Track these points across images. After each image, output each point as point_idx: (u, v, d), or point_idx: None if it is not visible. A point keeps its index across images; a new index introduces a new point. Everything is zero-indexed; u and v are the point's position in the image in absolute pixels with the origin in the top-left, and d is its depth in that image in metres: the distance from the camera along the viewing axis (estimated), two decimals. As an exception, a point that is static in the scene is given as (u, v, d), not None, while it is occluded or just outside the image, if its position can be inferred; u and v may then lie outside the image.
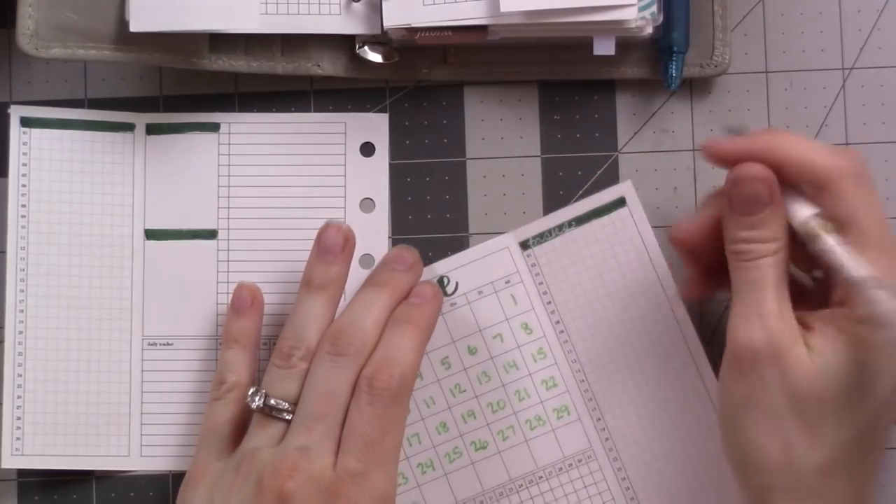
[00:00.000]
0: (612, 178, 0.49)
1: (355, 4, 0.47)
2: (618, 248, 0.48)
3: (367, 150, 0.50)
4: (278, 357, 0.44)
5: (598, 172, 0.50)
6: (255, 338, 0.47)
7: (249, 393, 0.43)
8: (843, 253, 0.39)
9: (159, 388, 0.49)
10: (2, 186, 0.49)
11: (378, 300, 0.44)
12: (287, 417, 0.42)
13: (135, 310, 0.49)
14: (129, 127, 0.50)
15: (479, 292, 0.49)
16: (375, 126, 0.50)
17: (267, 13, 0.47)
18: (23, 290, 0.49)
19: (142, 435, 0.49)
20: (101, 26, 0.47)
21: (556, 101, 0.50)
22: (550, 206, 0.49)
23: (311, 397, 0.42)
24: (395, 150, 0.50)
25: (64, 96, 0.50)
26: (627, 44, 0.48)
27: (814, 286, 0.45)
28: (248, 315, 0.47)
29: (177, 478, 0.49)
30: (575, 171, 0.50)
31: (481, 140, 0.50)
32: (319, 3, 0.47)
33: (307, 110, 0.50)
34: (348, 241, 0.45)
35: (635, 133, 0.50)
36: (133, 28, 0.45)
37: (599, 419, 0.48)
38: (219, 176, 0.50)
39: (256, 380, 0.46)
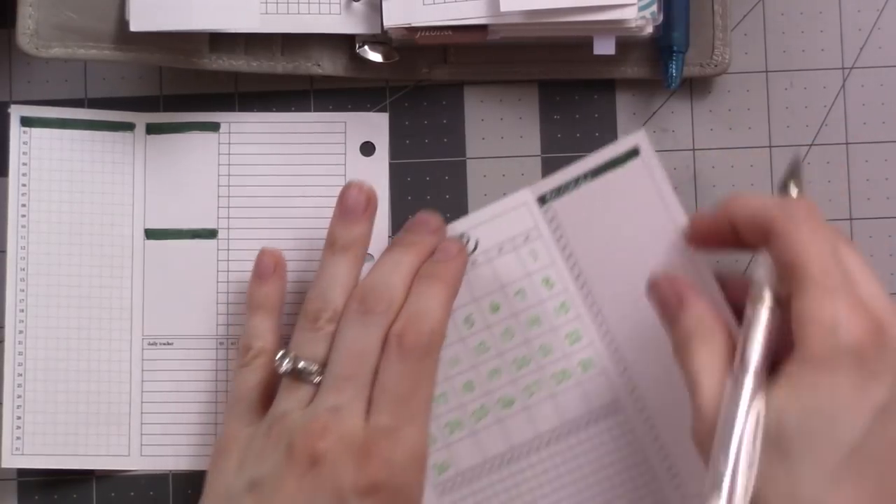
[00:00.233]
0: (612, 177, 0.49)
1: (355, 4, 0.47)
2: (634, 199, 0.48)
3: (367, 149, 0.50)
4: (305, 320, 0.44)
5: (598, 172, 0.50)
6: (280, 303, 0.47)
7: (277, 357, 0.43)
8: (751, 329, 0.40)
9: (159, 388, 0.49)
10: (2, 186, 0.49)
11: (405, 259, 0.44)
12: (316, 380, 0.42)
13: (135, 309, 0.49)
14: (129, 127, 0.50)
15: (500, 249, 0.48)
16: (375, 126, 0.50)
17: (267, 13, 0.47)
18: (23, 290, 0.49)
19: (142, 434, 0.49)
20: (101, 26, 0.47)
21: (556, 100, 0.50)
22: (550, 205, 0.49)
23: (341, 357, 0.42)
24: (395, 149, 0.50)
25: (64, 96, 0.50)
26: (627, 43, 0.48)
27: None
28: (272, 280, 0.46)
29: (177, 478, 0.49)
30: (575, 171, 0.50)
31: (481, 140, 0.50)
32: (319, 3, 0.47)
33: (307, 110, 0.50)
34: (371, 201, 0.45)
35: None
36: (133, 28, 0.45)
37: (625, 370, 0.48)
38: (219, 176, 0.50)
39: (282, 344, 0.46)
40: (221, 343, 0.49)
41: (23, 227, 0.49)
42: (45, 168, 0.49)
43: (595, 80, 0.50)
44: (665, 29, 0.47)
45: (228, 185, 0.50)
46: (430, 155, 0.50)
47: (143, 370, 0.49)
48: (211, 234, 0.49)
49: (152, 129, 0.50)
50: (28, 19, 0.46)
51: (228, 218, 0.49)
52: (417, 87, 0.50)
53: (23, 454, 0.49)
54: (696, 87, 0.50)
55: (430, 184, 0.50)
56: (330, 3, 0.47)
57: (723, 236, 0.43)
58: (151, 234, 0.49)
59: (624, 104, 0.50)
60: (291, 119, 0.50)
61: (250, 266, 0.49)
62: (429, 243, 0.45)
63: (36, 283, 0.49)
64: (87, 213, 0.49)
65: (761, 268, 0.42)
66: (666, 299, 0.44)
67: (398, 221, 0.50)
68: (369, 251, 0.46)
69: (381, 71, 0.49)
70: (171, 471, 0.49)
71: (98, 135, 0.49)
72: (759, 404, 0.39)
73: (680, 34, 0.47)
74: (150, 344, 0.49)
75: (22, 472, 0.50)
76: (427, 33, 0.46)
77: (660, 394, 0.48)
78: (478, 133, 0.50)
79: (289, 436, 0.41)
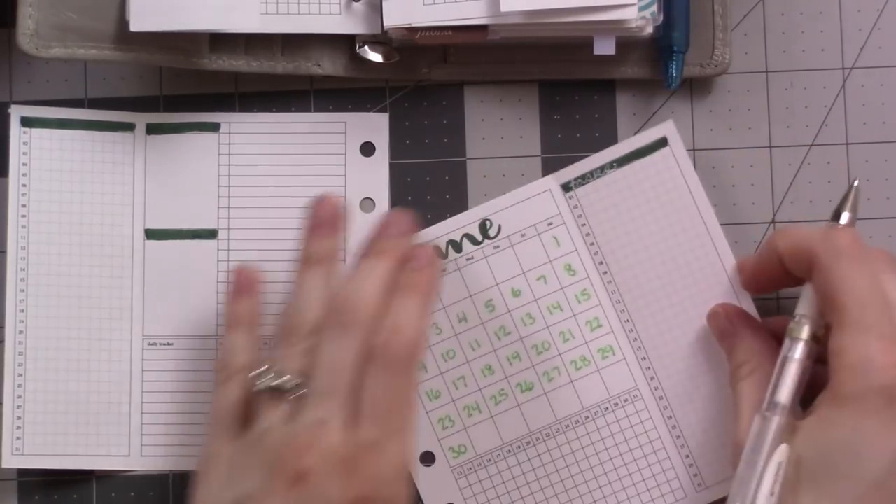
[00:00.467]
0: (612, 177, 0.49)
1: (355, 4, 0.47)
2: (660, 188, 0.48)
3: (367, 149, 0.50)
4: (283, 335, 0.43)
5: (599, 172, 0.50)
6: (257, 319, 0.46)
7: (257, 373, 0.42)
8: (784, 366, 0.42)
9: (159, 388, 0.49)
10: (2, 186, 0.49)
11: (378, 268, 0.43)
12: (297, 395, 0.42)
13: (135, 310, 0.49)
14: (129, 127, 0.50)
15: (522, 235, 0.49)
16: (375, 126, 0.50)
17: (267, 13, 0.47)
18: (23, 290, 0.49)
19: (142, 435, 0.49)
20: (101, 26, 0.47)
21: (556, 101, 0.50)
22: (550, 205, 0.49)
23: (321, 371, 0.41)
24: (395, 150, 0.50)
25: (64, 96, 0.50)
26: (627, 44, 0.48)
27: None
28: (248, 296, 0.46)
29: (177, 478, 0.49)
30: (575, 171, 0.50)
31: (481, 140, 0.50)
32: (319, 3, 0.47)
33: (307, 110, 0.50)
34: (340, 213, 0.45)
35: (635, 133, 0.50)
36: (133, 28, 0.45)
37: (644, 358, 0.48)
38: (219, 176, 0.50)
39: (261, 360, 0.45)
40: (221, 343, 0.49)
41: (23, 227, 0.49)
42: (45, 168, 0.49)
43: (595, 81, 0.50)
44: (665, 29, 0.47)
45: (228, 186, 0.50)
46: (430, 155, 0.50)
47: (143, 370, 0.49)
48: (211, 234, 0.49)
49: (152, 129, 0.50)
50: (28, 19, 0.46)
51: (228, 218, 0.49)
52: (417, 88, 0.50)
53: (23, 454, 0.49)
54: (696, 87, 0.50)
55: (430, 184, 0.50)
56: (330, 4, 0.47)
57: (773, 273, 0.44)
58: (151, 234, 0.49)
59: (624, 104, 0.50)
60: (291, 119, 0.50)
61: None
62: (401, 247, 0.44)
63: (36, 283, 0.49)
64: (87, 213, 0.49)
65: (804, 299, 0.42)
66: (723, 329, 0.46)
67: (398, 221, 0.50)
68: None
69: (381, 71, 0.49)
70: (171, 471, 0.49)
71: (98, 135, 0.49)
72: (782, 447, 0.40)
73: (680, 34, 0.47)
74: (150, 344, 0.49)
75: (22, 472, 0.50)
76: (427, 33, 0.46)
77: (678, 383, 0.48)
78: (478, 133, 0.50)
79: (273, 452, 0.40)
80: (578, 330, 0.48)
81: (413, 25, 0.46)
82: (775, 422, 0.40)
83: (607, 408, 0.49)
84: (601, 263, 0.48)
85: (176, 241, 0.49)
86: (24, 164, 0.49)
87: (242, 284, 0.47)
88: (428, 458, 0.49)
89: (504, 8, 0.45)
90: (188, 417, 0.49)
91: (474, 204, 0.50)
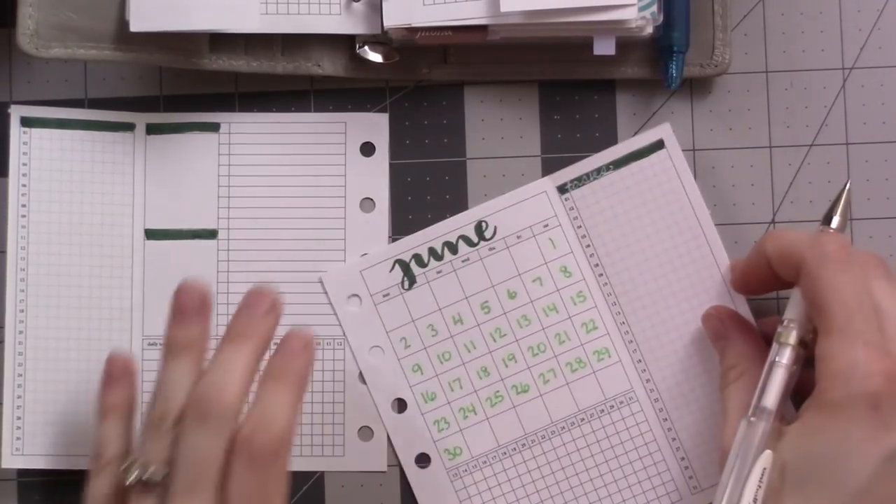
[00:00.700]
0: (612, 177, 0.49)
1: (355, 4, 0.47)
2: (657, 191, 0.48)
3: (367, 149, 0.50)
4: (149, 425, 0.42)
5: (599, 172, 0.50)
6: (131, 407, 0.45)
7: (123, 467, 0.41)
8: (772, 372, 0.41)
9: (159, 388, 0.49)
10: (2, 186, 0.49)
11: (240, 356, 0.42)
12: (163, 488, 0.40)
13: (135, 310, 0.49)
14: (129, 127, 0.50)
15: (518, 236, 0.49)
16: (375, 126, 0.50)
17: (267, 13, 0.47)
18: (23, 290, 0.49)
19: (142, 435, 0.49)
20: (101, 26, 0.47)
21: (556, 101, 0.50)
22: (550, 205, 0.49)
23: (184, 466, 0.40)
24: (395, 150, 0.50)
25: (64, 96, 0.50)
26: (627, 44, 0.48)
27: None
28: (121, 385, 0.45)
29: (177, 478, 0.49)
30: (575, 171, 0.50)
31: (481, 140, 0.50)
32: (319, 3, 0.47)
33: (307, 110, 0.50)
34: (204, 299, 0.43)
35: (635, 133, 0.50)
36: (133, 28, 0.45)
37: (640, 360, 0.48)
38: (219, 176, 0.50)
39: (131, 450, 0.44)
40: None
41: (23, 227, 0.49)
42: (45, 168, 0.49)
43: (595, 81, 0.50)
44: (665, 29, 0.47)
45: (228, 186, 0.50)
46: (430, 155, 0.50)
47: (143, 371, 0.49)
48: (211, 234, 0.49)
49: (152, 129, 0.50)
50: (28, 19, 0.46)
51: (228, 218, 0.49)
52: (417, 88, 0.50)
53: (23, 454, 0.49)
54: (696, 87, 0.50)
55: (430, 184, 0.50)
56: (330, 4, 0.47)
57: (762, 275, 0.44)
58: (151, 234, 0.49)
59: (624, 104, 0.50)
60: (291, 119, 0.50)
61: (250, 266, 0.49)
62: (264, 328, 0.43)
63: (36, 283, 0.49)
64: (87, 213, 0.49)
65: (792, 303, 0.42)
66: (716, 331, 0.46)
67: (398, 222, 0.50)
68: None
69: (381, 71, 0.49)
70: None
71: (98, 135, 0.49)
72: (766, 453, 0.40)
73: (680, 34, 0.47)
74: (150, 344, 0.49)
75: (22, 472, 0.50)
76: (427, 33, 0.46)
77: (674, 385, 0.48)
78: (478, 133, 0.50)
79: None
80: (574, 332, 0.48)
81: (413, 25, 0.46)
82: (761, 427, 0.40)
83: (603, 410, 0.48)
84: (597, 265, 0.48)
85: (176, 241, 0.49)
86: (24, 165, 0.49)
87: (114, 373, 0.45)
88: (423, 460, 0.49)
89: (504, 8, 0.45)
90: (188, 417, 0.49)
91: (474, 204, 0.50)
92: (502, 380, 0.49)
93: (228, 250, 0.49)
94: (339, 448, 0.49)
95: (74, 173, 0.49)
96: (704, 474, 0.48)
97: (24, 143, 0.49)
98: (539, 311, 0.49)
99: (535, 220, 0.49)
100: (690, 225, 0.48)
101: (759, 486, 0.39)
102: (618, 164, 0.48)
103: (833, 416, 0.38)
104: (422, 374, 0.49)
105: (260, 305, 0.43)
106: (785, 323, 0.42)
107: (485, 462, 0.49)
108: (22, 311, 0.49)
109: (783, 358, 0.41)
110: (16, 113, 0.49)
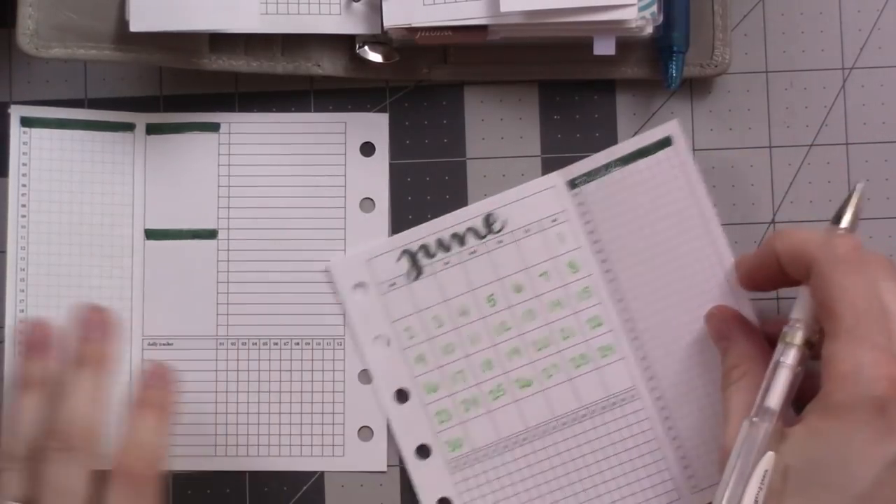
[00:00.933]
0: (612, 177, 0.49)
1: (355, 4, 0.47)
2: (663, 188, 0.48)
3: (367, 149, 0.50)
4: (6, 459, 0.41)
5: (598, 172, 0.50)
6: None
7: None
8: (776, 372, 0.41)
9: (159, 388, 0.49)
10: (2, 186, 0.49)
11: (87, 382, 0.42)
12: None
13: (135, 310, 0.49)
14: (129, 127, 0.50)
15: (526, 230, 0.49)
16: (375, 126, 0.50)
17: (267, 13, 0.47)
18: (23, 290, 0.49)
19: (142, 435, 0.49)
20: (101, 26, 0.47)
21: (556, 101, 0.50)
22: (550, 205, 0.49)
23: (51, 497, 0.40)
24: (395, 150, 0.50)
25: (64, 96, 0.50)
26: (627, 44, 0.48)
27: None
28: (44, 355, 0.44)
29: (176, 478, 0.49)
30: (575, 171, 0.50)
31: (481, 140, 0.50)
32: (319, 3, 0.47)
33: (307, 110, 0.50)
34: (53, 334, 0.44)
35: (635, 133, 0.50)
36: (133, 28, 0.45)
37: (644, 358, 0.48)
38: (219, 176, 0.50)
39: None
40: (221, 343, 0.49)
41: (23, 227, 0.49)
42: (45, 168, 0.49)
43: (595, 81, 0.50)
44: (665, 29, 0.47)
45: (228, 186, 0.50)
46: (430, 155, 0.50)
47: (142, 370, 0.49)
48: (211, 234, 0.49)
49: (152, 129, 0.50)
50: (28, 19, 0.46)
51: (228, 218, 0.49)
52: (417, 88, 0.50)
53: (23, 454, 0.49)
54: (696, 87, 0.50)
55: (430, 184, 0.50)
56: (330, 4, 0.47)
57: (770, 273, 0.44)
58: (151, 234, 0.49)
59: (624, 104, 0.50)
60: (291, 119, 0.50)
61: (250, 266, 0.49)
62: (107, 351, 0.43)
63: (36, 283, 0.49)
64: (87, 213, 0.49)
65: (800, 303, 0.42)
66: (718, 331, 0.46)
67: (398, 222, 0.50)
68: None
69: (381, 71, 0.49)
70: (171, 471, 0.49)
71: (98, 135, 0.49)
72: (768, 455, 0.39)
73: (680, 34, 0.47)
74: (150, 344, 0.49)
75: (22, 473, 0.50)
76: (427, 33, 0.46)
77: (677, 384, 0.48)
78: (478, 133, 0.50)
79: None
80: (579, 328, 0.48)
81: (413, 25, 0.46)
82: (763, 428, 0.40)
83: (605, 406, 0.49)
84: (604, 261, 0.48)
85: (176, 241, 0.49)
86: (24, 164, 0.49)
87: (35, 342, 0.45)
88: (423, 452, 0.49)
89: (504, 8, 0.45)
90: (187, 417, 0.49)
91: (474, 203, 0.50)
92: (505, 373, 0.49)
93: (228, 250, 0.49)
94: (339, 448, 0.49)
95: (74, 173, 0.49)
96: (705, 474, 0.48)
97: (24, 143, 0.49)
98: (545, 306, 0.49)
99: (544, 215, 0.49)
100: (696, 222, 0.48)
101: (761, 488, 0.39)
102: (626, 160, 0.48)
103: (838, 418, 0.38)
104: (425, 365, 0.49)
105: (97, 328, 0.44)
106: (791, 322, 0.42)
107: (485, 455, 0.49)
108: (22, 311, 0.49)
109: (788, 358, 0.41)
110: (16, 113, 0.49)
